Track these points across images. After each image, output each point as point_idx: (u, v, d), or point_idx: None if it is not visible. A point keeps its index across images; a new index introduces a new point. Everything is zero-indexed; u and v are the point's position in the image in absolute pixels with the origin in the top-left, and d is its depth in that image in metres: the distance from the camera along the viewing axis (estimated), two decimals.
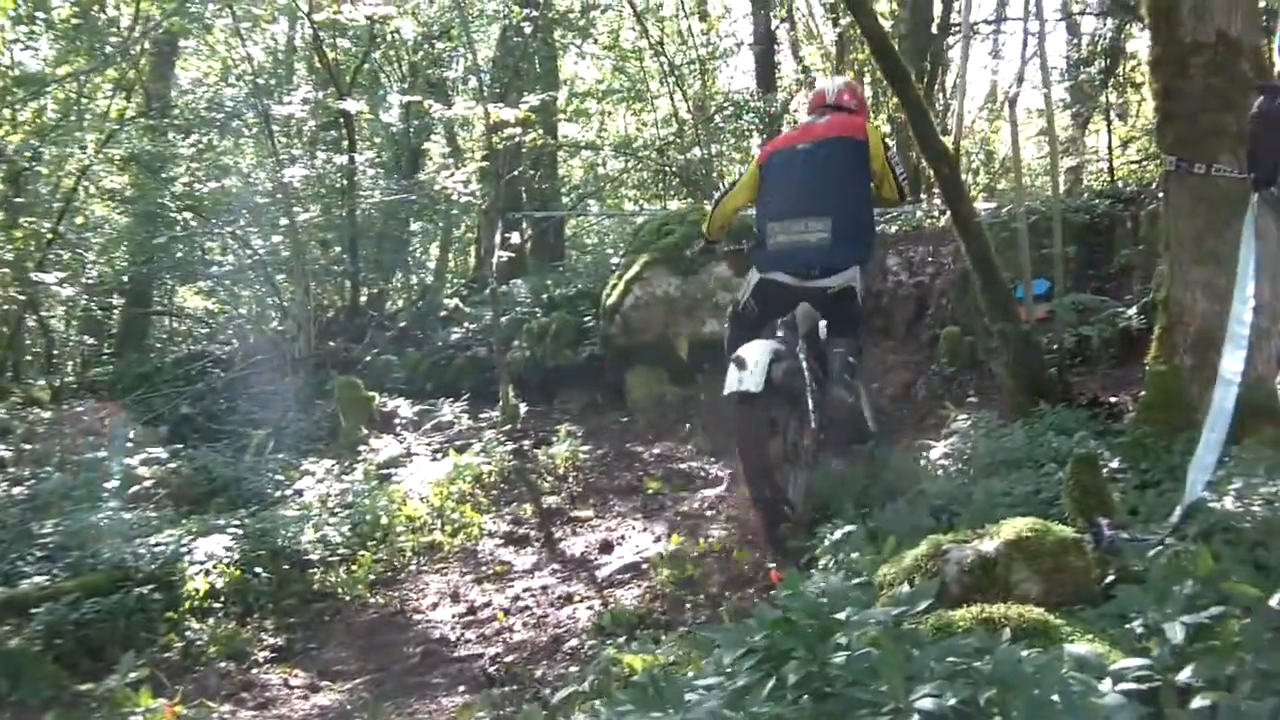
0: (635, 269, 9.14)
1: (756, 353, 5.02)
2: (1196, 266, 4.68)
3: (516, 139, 9.39)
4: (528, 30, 13.76)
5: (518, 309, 10.84)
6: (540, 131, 11.13)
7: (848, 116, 5.74)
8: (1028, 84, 14.65)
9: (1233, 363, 3.16)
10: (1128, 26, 13.52)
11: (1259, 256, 3.19)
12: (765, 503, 4.98)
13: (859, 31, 5.95)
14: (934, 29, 14.62)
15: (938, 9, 14.74)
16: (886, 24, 13.93)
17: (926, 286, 8.70)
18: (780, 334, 5.46)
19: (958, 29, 12.85)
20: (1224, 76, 4.69)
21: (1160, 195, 5.14)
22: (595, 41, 16.66)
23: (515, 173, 12.56)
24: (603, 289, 9.64)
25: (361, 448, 7.92)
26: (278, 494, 7.03)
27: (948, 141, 6.31)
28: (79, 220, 13.35)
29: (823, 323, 5.72)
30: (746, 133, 15.77)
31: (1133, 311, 6.73)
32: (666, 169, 16.06)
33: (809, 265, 5.39)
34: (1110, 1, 13.09)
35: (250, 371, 10.54)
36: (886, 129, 8.58)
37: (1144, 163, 11.88)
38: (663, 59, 15.27)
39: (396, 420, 8.89)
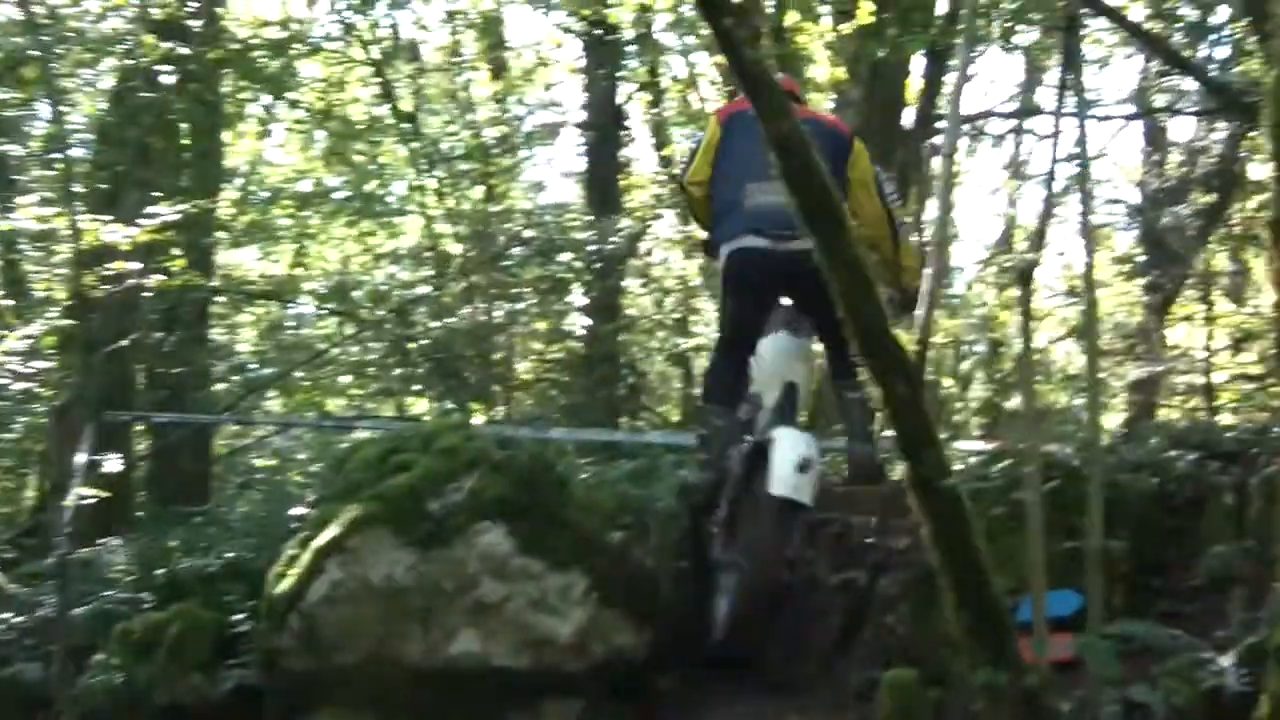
0: (335, 531, 8.69)
1: (813, 452, 7.51)
2: None
3: (133, 279, 9.15)
4: (167, 79, 13.48)
5: (107, 593, 10.32)
6: (182, 264, 11.02)
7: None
8: (1060, 223, 14.72)
9: None
10: (1249, 136, 13.35)
11: None
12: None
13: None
14: (905, 122, 14.59)
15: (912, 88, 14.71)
16: (825, 104, 13.94)
17: (862, 591, 8.45)
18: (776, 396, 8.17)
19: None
20: None
21: None
22: (296, 104, 16.68)
23: (127, 340, 12.18)
24: (271, 563, 9.17)
25: None
26: None
27: (908, 335, 6.08)
28: None
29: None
30: (563, 284, 15.69)
31: (1228, 661, 6.50)
32: (410, 343, 15.95)
33: (787, 225, 6.99)
34: (1217, 96, 13.04)
35: None
36: None
37: (1267, 381, 11.89)
38: (417, 143, 15.26)
39: None
